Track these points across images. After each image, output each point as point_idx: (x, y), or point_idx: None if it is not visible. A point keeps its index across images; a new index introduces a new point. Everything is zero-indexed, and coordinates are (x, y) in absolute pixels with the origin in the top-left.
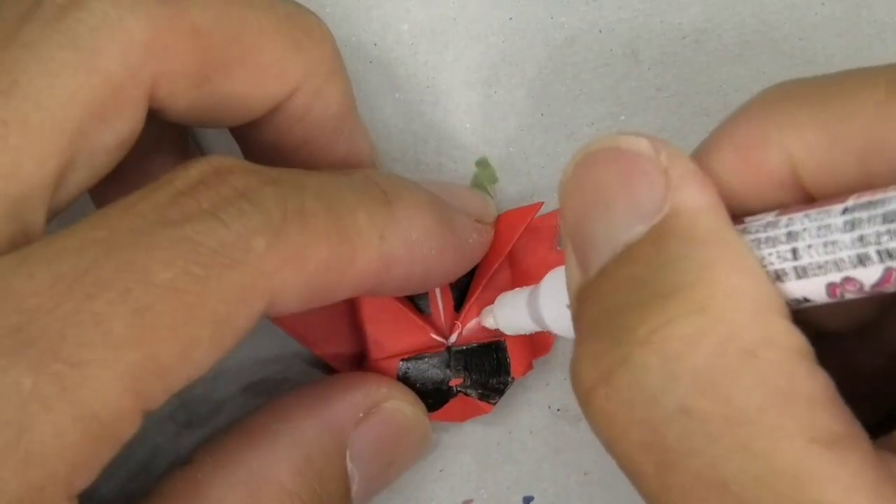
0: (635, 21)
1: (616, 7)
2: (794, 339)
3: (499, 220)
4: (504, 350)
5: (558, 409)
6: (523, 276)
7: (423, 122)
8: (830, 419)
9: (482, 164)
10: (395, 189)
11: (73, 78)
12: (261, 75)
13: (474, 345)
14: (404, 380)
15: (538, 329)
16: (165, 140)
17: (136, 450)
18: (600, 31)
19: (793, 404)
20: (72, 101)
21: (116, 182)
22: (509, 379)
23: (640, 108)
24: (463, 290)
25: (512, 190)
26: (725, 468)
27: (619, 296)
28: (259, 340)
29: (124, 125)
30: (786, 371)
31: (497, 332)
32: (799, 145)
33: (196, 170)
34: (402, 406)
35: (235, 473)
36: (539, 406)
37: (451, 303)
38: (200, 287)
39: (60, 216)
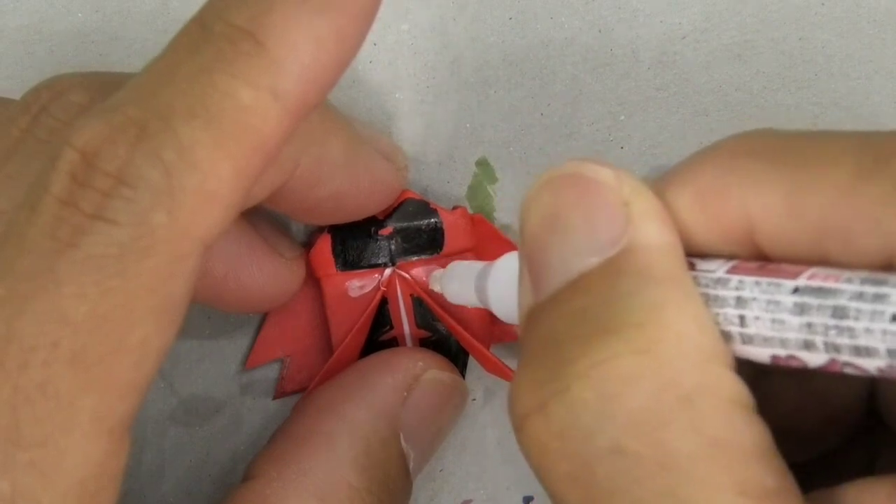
0: (635, 21)
1: (615, 7)
2: (735, 389)
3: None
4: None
5: None
6: None
7: (424, 121)
8: (763, 472)
9: (482, 163)
10: (263, 24)
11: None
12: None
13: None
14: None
15: (480, 305)
16: None
17: (143, 456)
18: (600, 31)
19: (726, 454)
20: None
21: None
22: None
23: (639, 108)
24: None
25: (512, 189)
26: None
27: (566, 324)
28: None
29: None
30: (722, 421)
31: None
32: (758, 206)
33: (64, 163)
34: (440, 375)
35: (304, 484)
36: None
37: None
38: (123, 296)
39: None
